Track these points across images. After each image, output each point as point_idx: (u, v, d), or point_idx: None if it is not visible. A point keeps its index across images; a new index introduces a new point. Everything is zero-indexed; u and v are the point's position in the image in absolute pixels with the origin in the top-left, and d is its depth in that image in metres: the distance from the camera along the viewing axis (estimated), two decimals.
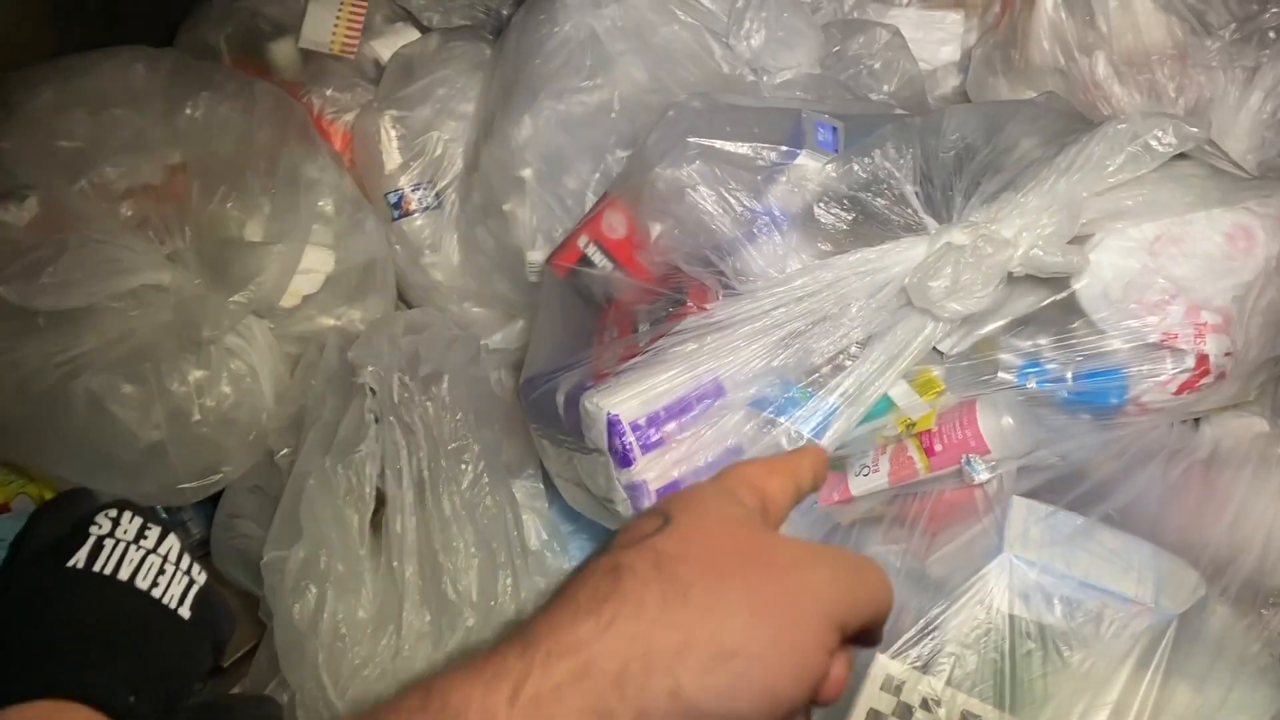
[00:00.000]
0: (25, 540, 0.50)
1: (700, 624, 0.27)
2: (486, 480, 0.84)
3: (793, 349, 0.79)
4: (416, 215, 1.18)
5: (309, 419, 1.02)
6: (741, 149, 0.84)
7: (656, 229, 0.86)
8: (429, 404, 0.84)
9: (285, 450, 1.03)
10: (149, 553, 0.49)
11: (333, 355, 1.11)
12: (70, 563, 0.47)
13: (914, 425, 0.83)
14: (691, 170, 0.82)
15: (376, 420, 0.86)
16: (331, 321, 1.19)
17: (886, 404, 0.82)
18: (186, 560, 0.51)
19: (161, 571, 0.49)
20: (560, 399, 0.84)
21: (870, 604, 0.32)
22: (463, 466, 0.83)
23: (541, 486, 0.97)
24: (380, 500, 0.86)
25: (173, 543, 0.51)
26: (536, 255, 1.06)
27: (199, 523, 1.12)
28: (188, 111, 1.06)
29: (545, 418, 0.87)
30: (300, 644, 0.80)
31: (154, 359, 1.00)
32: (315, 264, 1.10)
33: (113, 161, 1.07)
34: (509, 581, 0.81)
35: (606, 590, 0.28)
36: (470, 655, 0.29)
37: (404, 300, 1.25)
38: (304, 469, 0.91)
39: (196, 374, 1.02)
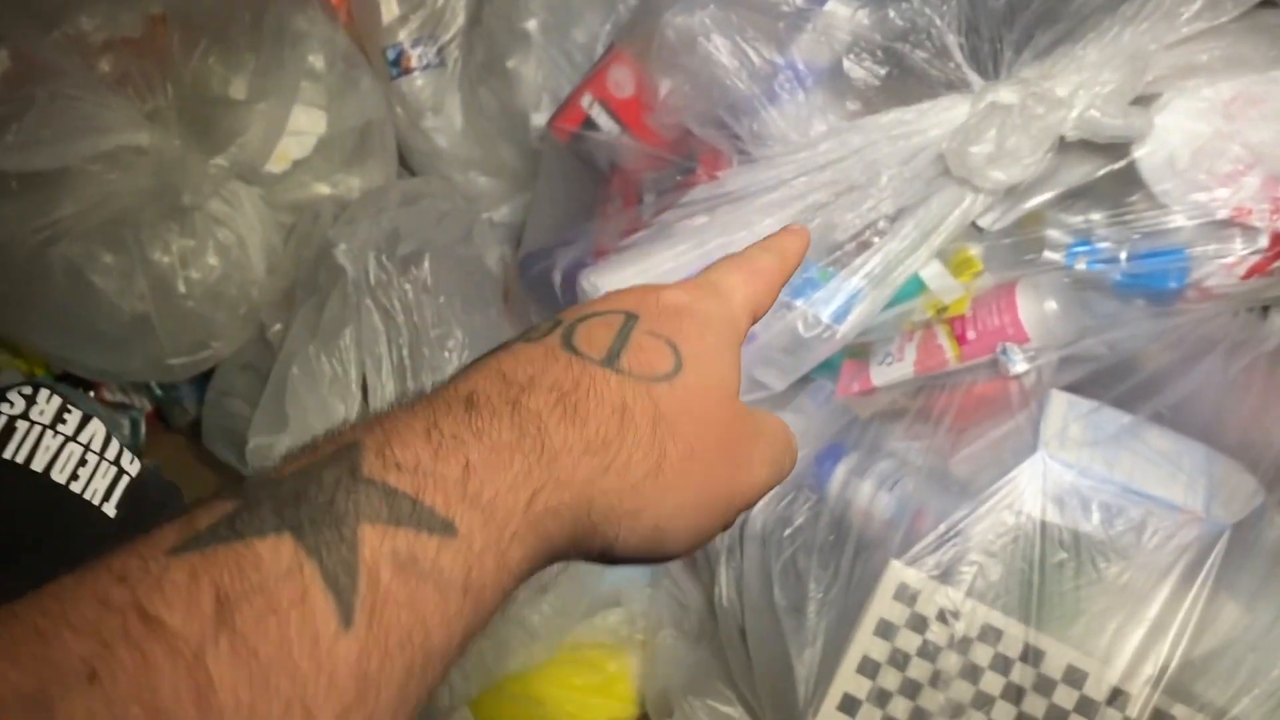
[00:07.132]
0: None
1: (655, 502, 0.30)
2: None
3: (814, 223, 0.71)
4: (417, 74, 1.09)
5: (300, 295, 0.96)
6: None
7: (666, 86, 0.77)
8: (408, 286, 0.77)
9: (278, 326, 0.98)
10: (68, 440, 0.44)
11: (326, 226, 1.04)
12: None
13: (945, 310, 0.75)
14: (705, 16, 0.72)
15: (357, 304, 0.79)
16: (327, 190, 1.12)
17: (916, 285, 0.74)
18: (115, 449, 0.47)
19: (83, 462, 0.44)
20: (557, 277, 0.77)
21: (777, 483, 0.35)
22: (446, 354, 0.77)
23: None
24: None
25: (96, 429, 0.47)
26: (541, 118, 0.97)
27: (193, 401, 1.07)
28: None
29: (544, 298, 0.81)
30: None
31: (134, 226, 0.94)
32: (306, 125, 1.02)
33: (89, 11, 1.00)
34: None
35: (611, 433, 0.29)
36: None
37: (407, 168, 1.17)
38: (290, 353, 0.86)
39: (180, 243, 0.96)
